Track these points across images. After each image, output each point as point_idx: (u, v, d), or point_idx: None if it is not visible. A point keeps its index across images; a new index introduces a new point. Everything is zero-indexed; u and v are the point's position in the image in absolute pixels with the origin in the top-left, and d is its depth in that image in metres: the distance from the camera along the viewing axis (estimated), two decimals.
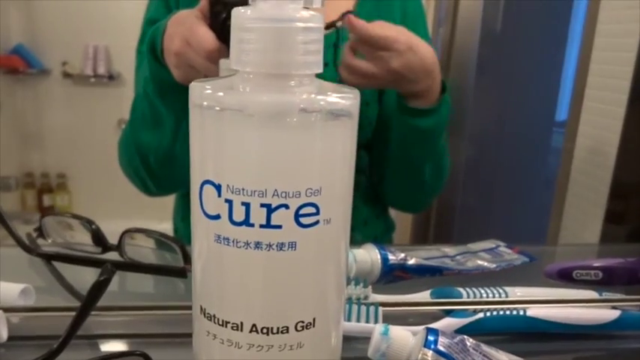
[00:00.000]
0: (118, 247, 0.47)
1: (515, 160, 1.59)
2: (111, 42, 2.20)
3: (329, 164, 0.23)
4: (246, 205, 0.22)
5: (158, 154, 0.64)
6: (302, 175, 0.22)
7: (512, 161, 1.60)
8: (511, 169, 1.60)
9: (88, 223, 0.48)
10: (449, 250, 0.54)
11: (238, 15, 0.23)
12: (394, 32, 0.56)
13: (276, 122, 0.22)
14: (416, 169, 0.68)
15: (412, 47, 0.56)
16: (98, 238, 0.48)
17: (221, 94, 0.23)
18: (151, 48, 0.58)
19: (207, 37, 0.51)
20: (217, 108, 0.22)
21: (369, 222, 0.74)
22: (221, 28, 0.52)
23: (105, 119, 2.18)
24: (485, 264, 0.53)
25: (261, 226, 0.22)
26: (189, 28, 0.52)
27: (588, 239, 1.05)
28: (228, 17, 0.53)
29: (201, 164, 0.23)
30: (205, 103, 0.23)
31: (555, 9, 1.48)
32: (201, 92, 0.23)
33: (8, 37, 2.16)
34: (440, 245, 0.56)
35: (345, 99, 0.23)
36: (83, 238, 0.49)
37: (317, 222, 0.23)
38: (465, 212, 1.72)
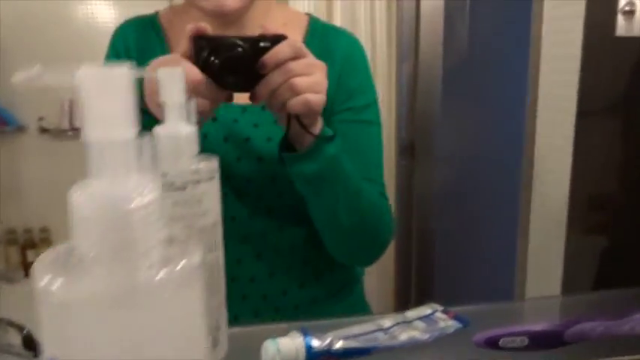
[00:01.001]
0: None
1: (484, 203, 1.57)
2: None
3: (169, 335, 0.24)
4: None
5: None
6: (150, 349, 0.24)
7: (482, 206, 1.58)
8: (481, 214, 1.58)
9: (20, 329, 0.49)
10: (385, 321, 0.55)
11: (76, 199, 0.24)
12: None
13: (118, 306, 0.23)
14: (326, 213, 0.66)
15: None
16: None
17: (63, 286, 0.24)
18: None
19: (190, 69, 0.51)
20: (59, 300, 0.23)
21: (324, 274, 0.74)
22: (204, 64, 0.52)
23: (85, 171, 2.19)
24: (418, 335, 0.54)
25: None
26: (172, 64, 0.51)
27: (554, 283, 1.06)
28: (212, 53, 0.53)
29: (48, 343, 0.24)
30: (47, 296, 0.24)
31: (516, 33, 1.51)
32: (42, 282, 0.24)
33: None
34: (379, 316, 0.57)
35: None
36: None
37: None
38: (444, 263, 1.71)
